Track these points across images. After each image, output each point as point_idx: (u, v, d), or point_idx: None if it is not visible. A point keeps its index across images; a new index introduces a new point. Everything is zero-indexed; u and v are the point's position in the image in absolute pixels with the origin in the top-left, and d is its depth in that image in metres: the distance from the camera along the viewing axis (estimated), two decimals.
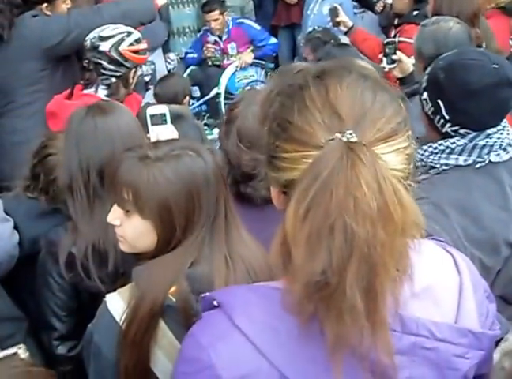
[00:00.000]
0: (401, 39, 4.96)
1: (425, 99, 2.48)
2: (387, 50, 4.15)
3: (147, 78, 4.09)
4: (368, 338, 1.13)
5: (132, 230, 2.01)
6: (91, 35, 3.79)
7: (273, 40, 7.74)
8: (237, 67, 7.50)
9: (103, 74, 3.76)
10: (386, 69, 4.08)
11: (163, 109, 2.86)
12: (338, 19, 5.62)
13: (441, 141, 2.44)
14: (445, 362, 1.25)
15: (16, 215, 2.70)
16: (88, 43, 3.78)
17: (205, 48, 7.57)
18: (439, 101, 2.42)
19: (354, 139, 1.14)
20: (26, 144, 3.74)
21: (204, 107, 7.48)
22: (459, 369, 1.27)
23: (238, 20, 7.73)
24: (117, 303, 1.96)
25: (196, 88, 7.18)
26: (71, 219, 2.47)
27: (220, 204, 1.99)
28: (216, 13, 7.48)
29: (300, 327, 1.18)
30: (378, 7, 6.32)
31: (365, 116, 1.18)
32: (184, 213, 1.94)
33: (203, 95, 7.49)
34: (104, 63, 3.75)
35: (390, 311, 1.17)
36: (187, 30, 8.15)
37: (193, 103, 6.60)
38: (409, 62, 4.15)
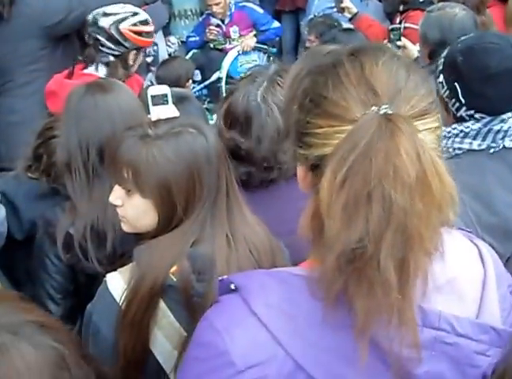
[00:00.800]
0: (407, 25, 4.97)
1: (441, 82, 2.45)
2: (392, 36, 4.16)
3: (149, 59, 4.03)
4: (396, 317, 1.12)
5: (133, 210, 2.00)
6: (95, 11, 3.76)
7: (276, 24, 7.67)
8: (239, 51, 7.45)
9: (101, 51, 3.73)
10: None
11: (164, 89, 2.82)
12: (343, 5, 5.62)
13: (455, 125, 2.42)
14: (465, 358, 1.22)
15: (16, 195, 2.66)
16: (90, 17, 3.75)
17: (207, 30, 7.50)
18: (456, 84, 2.40)
19: (390, 112, 1.15)
20: (23, 125, 3.77)
21: (204, 91, 7.44)
22: (479, 366, 1.23)
23: (240, 4, 7.65)
24: (117, 283, 1.95)
25: (197, 72, 7.13)
26: (69, 200, 2.44)
27: (221, 182, 1.98)
28: None
29: (325, 311, 1.15)
30: None
31: (399, 93, 1.19)
32: (184, 191, 1.93)
33: (204, 79, 7.44)
34: (102, 39, 3.74)
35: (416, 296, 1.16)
36: (189, 13, 8.09)
37: (193, 87, 6.56)
38: (414, 49, 4.14)
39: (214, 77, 7.33)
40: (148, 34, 3.89)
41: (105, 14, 3.76)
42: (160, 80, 5.34)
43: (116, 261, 2.12)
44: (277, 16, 8.03)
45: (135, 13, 3.82)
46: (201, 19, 7.83)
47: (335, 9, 5.87)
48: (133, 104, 2.53)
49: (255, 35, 7.54)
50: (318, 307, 1.16)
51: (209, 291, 1.84)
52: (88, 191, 2.41)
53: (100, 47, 3.73)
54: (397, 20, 5.31)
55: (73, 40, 4.23)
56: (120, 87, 2.61)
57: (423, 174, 1.11)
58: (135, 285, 1.89)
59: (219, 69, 7.33)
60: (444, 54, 2.50)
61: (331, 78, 1.22)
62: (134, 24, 3.79)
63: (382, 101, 1.17)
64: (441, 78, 2.46)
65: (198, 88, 7.26)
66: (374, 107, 1.16)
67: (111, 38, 3.73)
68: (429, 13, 3.82)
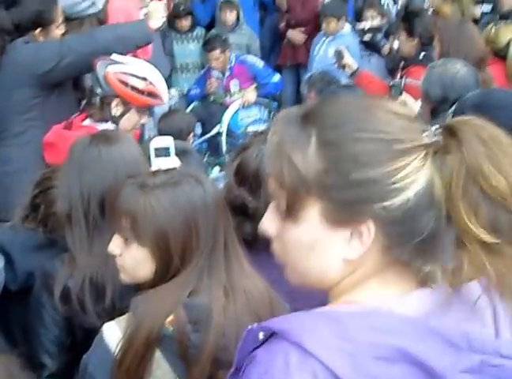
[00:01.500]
0: (408, 80, 5.00)
1: None
2: (392, 92, 4.17)
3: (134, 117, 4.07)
4: None
5: (131, 259, 2.01)
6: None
7: (277, 77, 7.68)
8: (240, 105, 7.48)
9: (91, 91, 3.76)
10: None
11: (167, 141, 2.83)
12: (344, 61, 5.63)
13: None
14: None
15: (12, 246, 2.62)
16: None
17: (208, 82, 7.54)
18: None
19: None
20: (19, 174, 3.74)
21: (204, 145, 7.45)
22: None
23: (241, 57, 7.70)
24: (113, 333, 1.95)
25: (198, 125, 7.15)
26: (68, 251, 2.41)
27: (219, 233, 1.99)
28: (217, 52, 7.45)
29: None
30: (385, 50, 6.32)
31: None
32: (181, 241, 1.94)
33: (204, 132, 7.47)
34: (93, 78, 3.75)
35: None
36: (190, 66, 8.17)
37: (194, 140, 6.56)
38: (415, 105, 4.14)
39: (214, 131, 7.35)
40: (136, 90, 3.82)
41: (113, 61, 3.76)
42: (162, 133, 5.31)
43: (115, 315, 2.08)
44: (278, 70, 8.07)
45: (136, 67, 3.81)
46: (202, 72, 7.88)
47: (336, 65, 5.89)
48: (137, 156, 2.53)
49: (256, 89, 7.58)
50: (376, 343, 1.10)
51: (206, 342, 1.84)
52: (88, 243, 2.39)
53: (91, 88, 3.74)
54: (398, 76, 5.34)
55: (68, 90, 4.20)
56: (125, 138, 2.61)
57: None
58: (131, 335, 1.88)
59: (219, 122, 7.36)
60: (452, 110, 2.49)
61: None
62: (124, 73, 3.77)
63: None
64: None
65: (198, 141, 7.26)
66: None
67: (95, 77, 3.73)
68: (431, 70, 3.83)
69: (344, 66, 5.66)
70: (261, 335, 1.16)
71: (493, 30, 5.47)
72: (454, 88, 3.61)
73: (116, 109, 3.73)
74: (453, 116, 2.49)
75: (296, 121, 1.20)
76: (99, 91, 3.72)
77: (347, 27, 7.09)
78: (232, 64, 7.58)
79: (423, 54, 5.29)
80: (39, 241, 2.61)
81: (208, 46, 7.57)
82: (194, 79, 7.92)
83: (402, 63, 5.49)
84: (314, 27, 7.59)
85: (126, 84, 3.75)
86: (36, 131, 3.94)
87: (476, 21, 6.11)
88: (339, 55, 5.69)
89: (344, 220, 1.16)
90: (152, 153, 2.77)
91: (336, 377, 1.09)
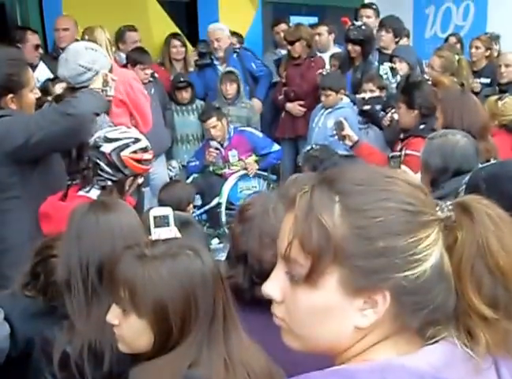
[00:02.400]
0: (408, 151, 5.00)
1: None
2: (392, 164, 4.19)
3: (140, 180, 4.01)
4: None
5: (129, 330, 2.01)
6: (97, 134, 3.76)
7: (276, 147, 7.77)
8: (248, 172, 7.55)
9: (100, 175, 3.71)
10: None
11: (166, 211, 2.84)
12: (344, 133, 5.67)
13: None
14: None
15: (12, 313, 2.62)
16: (92, 140, 3.75)
17: (207, 153, 7.59)
18: None
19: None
20: (12, 252, 3.67)
21: (204, 216, 7.47)
22: None
23: (240, 128, 7.78)
24: None
25: (197, 197, 7.17)
26: (67, 318, 2.41)
27: (217, 306, 1.99)
28: (213, 120, 7.50)
29: None
30: (386, 121, 6.35)
31: None
32: (180, 313, 1.94)
33: (204, 203, 7.49)
34: (102, 164, 3.73)
35: None
36: (190, 137, 8.23)
37: (193, 212, 6.58)
38: (414, 176, 4.13)
39: (214, 203, 7.39)
40: (147, 161, 3.89)
41: (107, 139, 3.76)
42: (162, 204, 5.35)
43: None
44: (276, 142, 8.13)
45: (136, 140, 3.83)
46: (201, 144, 7.94)
47: (336, 137, 5.92)
48: (135, 224, 2.54)
49: (256, 162, 7.61)
50: None
51: None
52: (87, 309, 2.39)
53: (99, 172, 3.72)
54: (398, 148, 5.35)
55: (53, 166, 4.02)
56: (123, 206, 2.63)
57: None
58: None
59: (219, 194, 7.40)
60: (465, 180, 2.49)
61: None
62: (135, 152, 3.79)
63: None
64: None
65: (198, 212, 7.30)
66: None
67: (110, 164, 3.72)
68: (430, 140, 3.83)
69: (344, 137, 5.69)
70: None
71: (499, 103, 5.53)
72: (455, 158, 3.62)
73: (129, 185, 3.82)
74: (467, 186, 2.48)
75: (321, 186, 1.20)
76: (120, 176, 3.75)
77: (345, 99, 7.15)
78: (231, 134, 7.65)
79: (423, 126, 5.31)
80: (38, 308, 2.60)
81: (204, 116, 7.66)
82: (194, 150, 7.97)
83: (402, 135, 5.51)
84: (313, 99, 7.64)
85: (139, 161, 3.82)
86: (24, 209, 3.82)
87: (475, 93, 6.16)
88: (339, 127, 5.73)
89: (362, 289, 1.17)
90: (152, 222, 2.78)
91: None
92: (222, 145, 7.65)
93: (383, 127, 6.44)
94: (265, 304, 2.27)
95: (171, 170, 7.74)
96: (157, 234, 2.72)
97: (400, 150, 5.21)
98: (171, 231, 2.78)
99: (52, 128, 3.75)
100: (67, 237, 2.50)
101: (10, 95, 3.90)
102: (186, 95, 8.11)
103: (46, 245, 2.72)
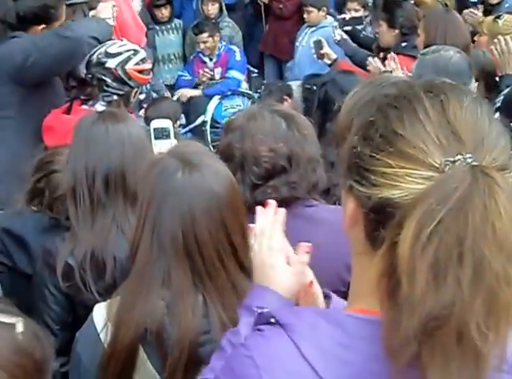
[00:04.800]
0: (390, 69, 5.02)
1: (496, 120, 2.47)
2: None
3: (142, 97, 4.01)
4: None
5: None
6: (97, 50, 3.77)
7: (238, 75, 7.80)
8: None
9: (106, 91, 3.73)
10: None
11: (166, 123, 2.90)
12: (322, 51, 5.68)
13: None
14: None
15: (25, 229, 2.63)
16: (94, 57, 3.76)
17: (201, 71, 7.60)
18: None
19: (484, 164, 1.05)
20: None
21: (189, 135, 7.49)
22: None
23: (230, 46, 7.84)
24: (101, 314, 1.94)
25: (182, 116, 7.19)
26: (69, 231, 2.43)
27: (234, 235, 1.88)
28: (204, 35, 7.57)
29: (393, 372, 1.03)
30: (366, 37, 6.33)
31: (483, 142, 1.08)
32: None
33: (189, 122, 7.53)
34: (109, 80, 3.75)
35: None
36: (172, 57, 8.25)
37: (178, 131, 6.61)
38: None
39: (199, 121, 7.42)
40: (148, 71, 3.93)
41: (109, 55, 3.76)
42: (149, 121, 5.37)
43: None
44: (261, 58, 8.14)
45: (136, 51, 3.85)
46: (191, 57, 7.98)
47: (315, 55, 5.94)
48: (142, 135, 2.54)
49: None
50: (380, 356, 1.05)
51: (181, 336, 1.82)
52: (91, 219, 2.39)
53: (105, 88, 3.74)
54: None
55: (52, 90, 4.10)
56: (130, 118, 2.64)
57: None
58: (115, 334, 1.86)
59: (203, 112, 7.43)
60: (505, 92, 2.48)
61: (407, 114, 1.11)
62: (137, 63, 3.82)
63: (465, 149, 1.06)
64: (496, 116, 2.46)
65: (183, 131, 7.31)
66: (459, 156, 1.05)
67: (117, 79, 3.74)
68: (423, 56, 3.82)
69: (322, 56, 5.71)
70: (272, 320, 1.17)
71: (500, 22, 5.53)
72: (449, 74, 3.63)
73: (133, 96, 3.87)
74: (504, 98, 2.47)
75: None
76: (127, 89, 3.77)
77: (329, 18, 7.16)
78: (221, 51, 7.70)
79: (405, 43, 5.33)
80: (49, 222, 2.61)
81: (196, 29, 7.69)
82: (177, 69, 7.97)
83: (381, 54, 5.50)
84: (298, 19, 7.64)
85: (142, 71, 3.86)
86: (13, 130, 3.89)
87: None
88: (318, 46, 5.75)
89: None
90: (152, 134, 2.83)
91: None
92: (211, 60, 7.69)
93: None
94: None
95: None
96: (157, 145, 2.76)
97: None
98: (171, 143, 2.81)
99: (49, 50, 3.83)
100: (75, 145, 2.49)
101: (43, 26, 4.03)
102: (165, 12, 8.09)
103: (46, 161, 2.72)
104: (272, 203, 1.66)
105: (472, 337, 0.98)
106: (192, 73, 7.79)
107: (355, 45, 6.48)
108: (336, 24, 6.70)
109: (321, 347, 1.10)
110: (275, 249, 1.57)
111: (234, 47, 7.88)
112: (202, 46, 7.60)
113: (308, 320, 1.15)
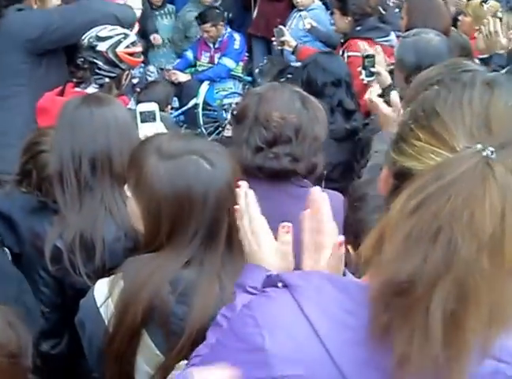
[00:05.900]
0: (349, 53, 5.12)
1: None
2: (366, 63, 4.21)
3: (135, 81, 4.03)
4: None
5: (131, 209, 2.02)
6: (88, 34, 3.82)
7: (229, 63, 7.87)
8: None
9: (98, 74, 3.77)
10: (365, 82, 4.17)
11: (152, 106, 2.89)
12: (283, 39, 5.73)
13: None
14: None
15: (12, 209, 2.63)
16: (85, 41, 3.79)
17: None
18: None
19: (493, 157, 1.05)
20: (6, 136, 3.84)
21: (181, 118, 7.56)
22: None
23: (233, 33, 8.00)
24: (102, 290, 1.96)
25: (175, 99, 7.25)
26: (57, 214, 2.44)
27: (219, 226, 1.92)
28: (207, 25, 7.69)
29: (371, 334, 1.08)
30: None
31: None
32: (171, 215, 1.89)
33: (181, 105, 7.58)
34: (100, 63, 3.76)
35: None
36: (166, 41, 8.26)
37: (171, 113, 6.67)
38: (387, 75, 4.24)
39: (191, 104, 7.47)
40: (138, 54, 3.98)
41: (100, 38, 3.78)
42: None
43: (105, 276, 2.05)
44: (248, 39, 8.22)
45: (126, 35, 3.88)
46: (198, 36, 8.09)
47: (275, 43, 5.99)
48: (128, 118, 2.55)
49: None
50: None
51: (190, 315, 1.84)
52: (79, 202, 2.40)
53: (97, 70, 3.77)
54: (340, 51, 5.40)
55: (59, 60, 4.25)
56: (115, 101, 2.65)
57: (500, 234, 1.01)
58: (122, 313, 1.88)
59: (196, 95, 7.48)
60: (504, 71, 2.46)
61: (453, 98, 1.15)
62: (127, 46, 3.86)
63: (491, 142, 1.06)
64: None
65: (176, 114, 7.35)
66: (479, 145, 1.06)
67: (108, 62, 3.76)
68: (404, 39, 3.87)
69: (283, 43, 5.77)
70: (279, 285, 1.19)
71: (485, 6, 5.59)
72: (428, 56, 3.67)
73: (124, 79, 3.89)
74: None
75: None
76: (118, 72, 3.80)
77: (317, 1, 7.25)
78: (224, 37, 7.83)
79: (359, 27, 5.40)
80: (37, 203, 2.62)
81: (199, 18, 7.76)
82: (171, 54, 8.05)
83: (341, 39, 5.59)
84: (289, 1, 7.69)
85: (132, 54, 3.88)
86: (24, 97, 4.02)
87: None
88: (278, 33, 5.78)
89: None
90: (138, 118, 2.83)
91: (324, 345, 1.11)
92: (214, 44, 7.84)
93: None
94: (267, 171, 2.41)
95: (149, 75, 7.79)
96: (144, 129, 2.76)
97: (343, 53, 5.27)
98: (157, 127, 2.83)
99: (70, 23, 4.01)
100: (59, 129, 2.49)
101: None
102: None
103: (33, 142, 2.72)
104: (243, 184, 1.70)
105: (437, 316, 1.01)
106: (195, 54, 7.93)
107: (325, 30, 6.63)
108: (305, 13, 6.86)
109: (324, 310, 1.13)
110: (258, 232, 1.62)
111: (236, 36, 7.97)
112: (206, 35, 7.74)
113: (314, 283, 1.18)
